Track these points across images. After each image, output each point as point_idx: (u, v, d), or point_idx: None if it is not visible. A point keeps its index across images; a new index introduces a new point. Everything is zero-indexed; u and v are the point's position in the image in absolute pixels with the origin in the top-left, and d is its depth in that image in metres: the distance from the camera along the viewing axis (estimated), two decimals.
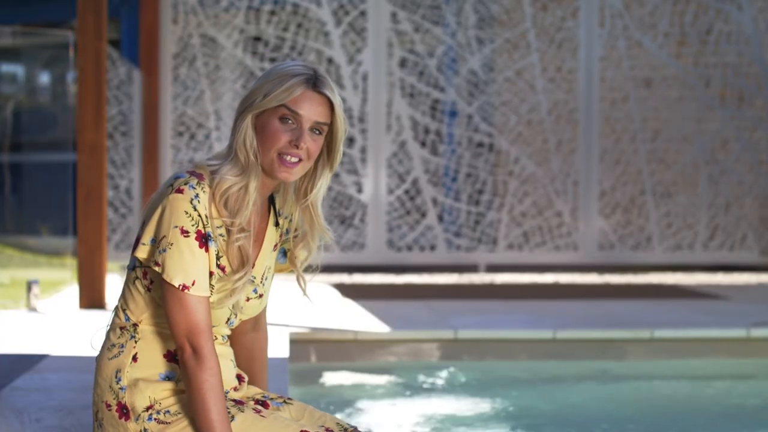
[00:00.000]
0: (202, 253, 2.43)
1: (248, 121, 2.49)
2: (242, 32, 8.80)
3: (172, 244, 2.40)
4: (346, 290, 7.65)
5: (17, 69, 12.82)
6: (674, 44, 8.96)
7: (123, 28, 13.09)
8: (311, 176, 2.58)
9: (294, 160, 2.48)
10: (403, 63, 8.87)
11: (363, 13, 8.81)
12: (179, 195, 2.42)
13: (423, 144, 8.89)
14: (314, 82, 2.48)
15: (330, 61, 8.79)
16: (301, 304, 6.74)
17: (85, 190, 6.28)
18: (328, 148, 2.56)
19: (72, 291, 7.08)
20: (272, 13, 8.81)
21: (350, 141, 8.81)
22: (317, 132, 2.50)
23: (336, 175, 8.78)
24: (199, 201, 2.43)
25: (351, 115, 8.79)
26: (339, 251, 8.83)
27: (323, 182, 2.58)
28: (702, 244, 9.02)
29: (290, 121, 2.47)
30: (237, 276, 2.49)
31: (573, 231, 8.95)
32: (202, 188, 2.45)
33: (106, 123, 6.91)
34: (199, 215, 2.43)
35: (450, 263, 9.00)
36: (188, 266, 2.41)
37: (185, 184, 2.44)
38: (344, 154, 8.78)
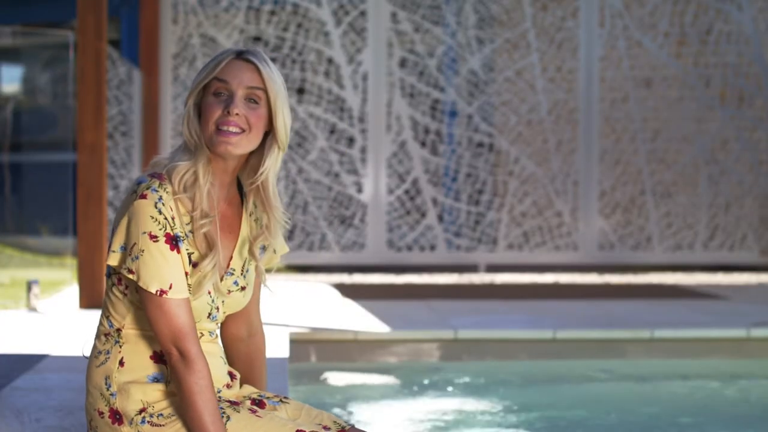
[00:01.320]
0: (174, 255, 2.43)
1: (189, 106, 2.51)
2: (242, 32, 8.80)
3: (143, 251, 2.41)
4: (346, 290, 7.64)
5: (17, 69, 12.82)
6: (674, 44, 8.96)
7: (123, 28, 13.09)
8: (259, 155, 2.56)
9: (232, 129, 2.47)
10: (403, 63, 8.87)
11: (363, 13, 8.81)
12: (143, 201, 2.42)
13: (423, 144, 8.89)
14: (240, 53, 2.50)
15: (330, 61, 8.80)
16: (301, 304, 6.74)
17: (85, 190, 6.28)
18: (270, 122, 2.54)
19: (72, 291, 7.08)
20: (272, 13, 8.81)
21: (350, 141, 8.81)
22: (253, 101, 2.49)
23: (336, 175, 8.79)
24: (163, 203, 2.43)
25: (351, 115, 8.79)
26: (339, 251, 8.83)
27: (271, 161, 2.54)
28: (702, 244, 9.01)
29: (222, 94, 2.48)
30: (206, 261, 2.48)
31: (573, 231, 8.94)
32: (165, 189, 2.45)
33: (106, 123, 6.91)
34: (165, 218, 2.43)
35: (450, 263, 9.00)
36: (162, 271, 2.41)
37: (147, 188, 2.43)
38: (344, 154, 8.78)
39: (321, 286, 8.00)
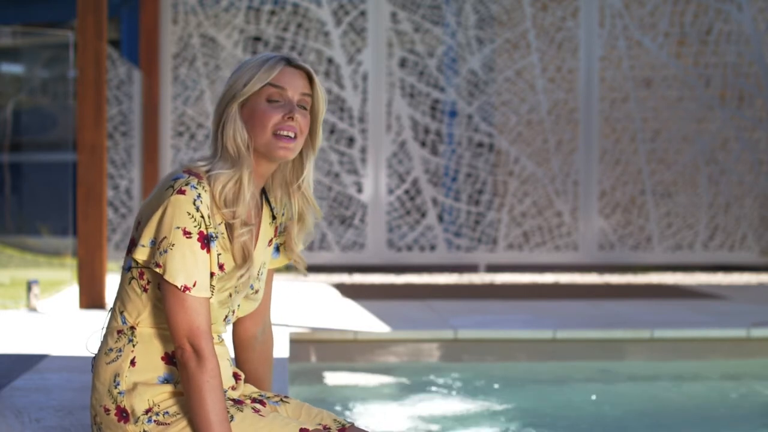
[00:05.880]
0: (203, 255, 2.42)
1: (235, 113, 2.51)
2: (242, 32, 8.80)
3: (173, 245, 2.40)
4: (346, 290, 7.64)
5: (17, 69, 12.81)
6: (674, 44, 8.96)
7: (123, 28, 13.09)
8: (298, 162, 2.61)
9: (291, 134, 2.49)
10: (403, 63, 8.87)
11: (363, 13, 8.81)
12: (181, 196, 2.41)
13: (423, 144, 8.89)
14: (289, 60, 2.53)
15: (330, 61, 8.79)
16: (301, 305, 6.74)
17: (85, 190, 6.28)
18: (310, 128, 2.58)
19: (72, 291, 7.08)
20: (272, 13, 8.81)
21: (350, 141, 8.81)
22: (303, 107, 2.53)
23: (336, 175, 8.79)
24: (201, 201, 2.43)
25: (351, 115, 8.79)
26: (339, 251, 8.83)
27: (310, 165, 2.61)
28: (702, 244, 9.02)
29: (278, 100, 2.50)
30: (239, 273, 2.49)
31: (573, 231, 8.94)
32: (203, 187, 2.45)
33: (106, 123, 6.91)
34: (202, 216, 2.42)
35: (450, 263, 9.00)
36: (189, 267, 2.40)
37: (186, 185, 2.43)
38: (344, 154, 8.78)
39: (321, 286, 8.00)
